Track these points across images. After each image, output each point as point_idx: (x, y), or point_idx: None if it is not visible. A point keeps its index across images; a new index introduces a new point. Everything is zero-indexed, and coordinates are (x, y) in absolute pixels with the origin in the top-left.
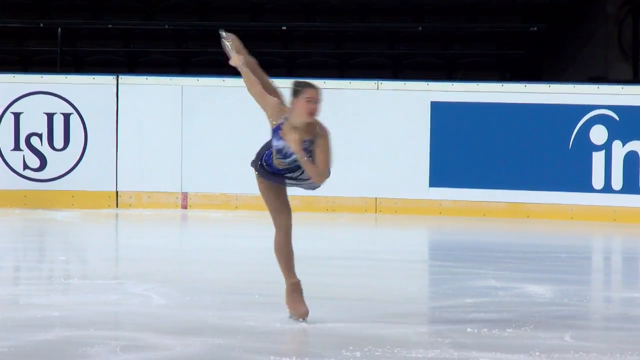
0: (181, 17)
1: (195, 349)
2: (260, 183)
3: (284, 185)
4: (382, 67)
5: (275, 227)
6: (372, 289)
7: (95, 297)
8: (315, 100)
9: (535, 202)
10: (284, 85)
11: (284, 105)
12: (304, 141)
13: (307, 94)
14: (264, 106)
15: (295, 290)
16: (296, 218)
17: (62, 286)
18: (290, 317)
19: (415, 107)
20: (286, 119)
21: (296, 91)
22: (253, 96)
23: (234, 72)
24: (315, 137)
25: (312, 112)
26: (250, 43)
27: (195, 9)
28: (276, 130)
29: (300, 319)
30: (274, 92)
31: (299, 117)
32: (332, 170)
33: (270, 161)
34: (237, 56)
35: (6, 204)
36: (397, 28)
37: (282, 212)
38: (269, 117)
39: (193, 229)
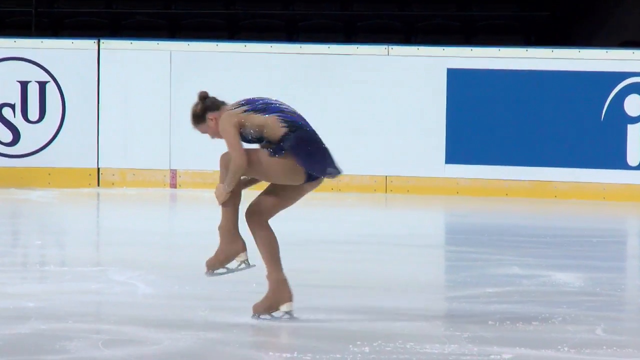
0: None
1: (185, 343)
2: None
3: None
4: (393, 30)
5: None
6: (380, 277)
7: (75, 286)
8: None
9: (563, 181)
10: (283, 50)
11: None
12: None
13: None
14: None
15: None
16: None
17: (37, 274)
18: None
19: (430, 75)
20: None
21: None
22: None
23: (228, 37)
24: None
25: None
26: (248, 4)
27: None
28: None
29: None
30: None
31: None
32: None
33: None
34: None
35: None
36: None
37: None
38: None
39: (183, 210)
